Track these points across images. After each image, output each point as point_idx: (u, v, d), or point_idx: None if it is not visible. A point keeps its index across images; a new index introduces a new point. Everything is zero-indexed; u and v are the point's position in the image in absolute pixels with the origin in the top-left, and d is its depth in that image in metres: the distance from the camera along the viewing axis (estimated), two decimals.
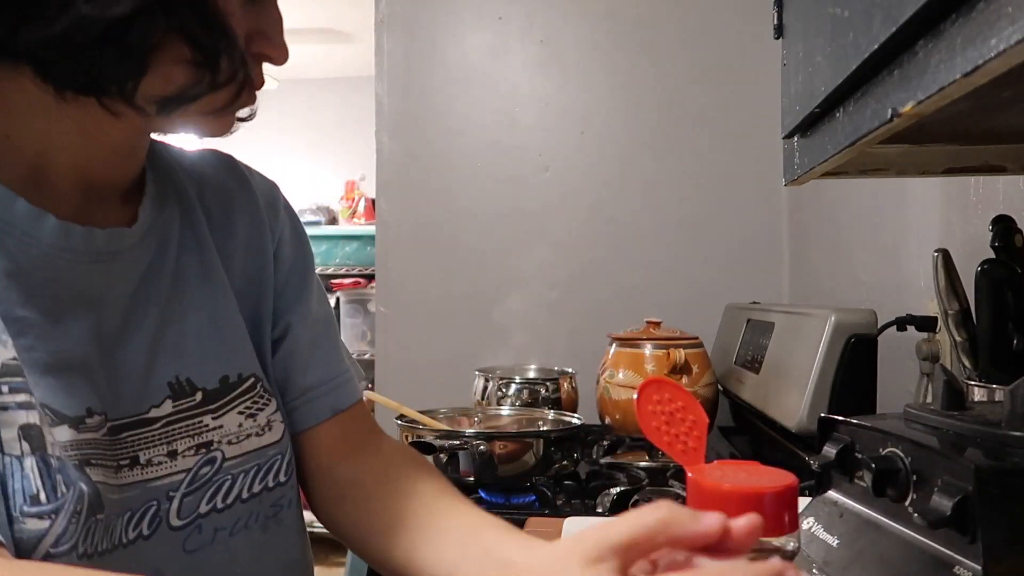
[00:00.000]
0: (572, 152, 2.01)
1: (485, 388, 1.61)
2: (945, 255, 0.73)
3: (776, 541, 0.46)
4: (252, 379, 0.68)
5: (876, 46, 0.40)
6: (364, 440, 0.77)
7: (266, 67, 0.64)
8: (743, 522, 0.40)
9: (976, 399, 0.69)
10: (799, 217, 1.87)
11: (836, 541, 0.68)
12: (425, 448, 1.20)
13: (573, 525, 0.94)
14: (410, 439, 1.23)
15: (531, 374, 1.70)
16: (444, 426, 1.32)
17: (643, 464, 1.24)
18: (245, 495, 0.65)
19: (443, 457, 1.18)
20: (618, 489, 1.17)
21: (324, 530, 0.75)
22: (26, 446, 0.51)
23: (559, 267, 2.00)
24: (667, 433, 0.69)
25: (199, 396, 0.64)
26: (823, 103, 0.52)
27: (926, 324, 1.03)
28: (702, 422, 0.69)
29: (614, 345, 1.52)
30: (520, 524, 0.97)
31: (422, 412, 1.34)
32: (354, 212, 4.08)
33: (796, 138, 0.64)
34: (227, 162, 0.77)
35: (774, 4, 0.67)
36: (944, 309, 0.73)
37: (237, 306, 0.69)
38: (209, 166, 0.75)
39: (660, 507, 0.40)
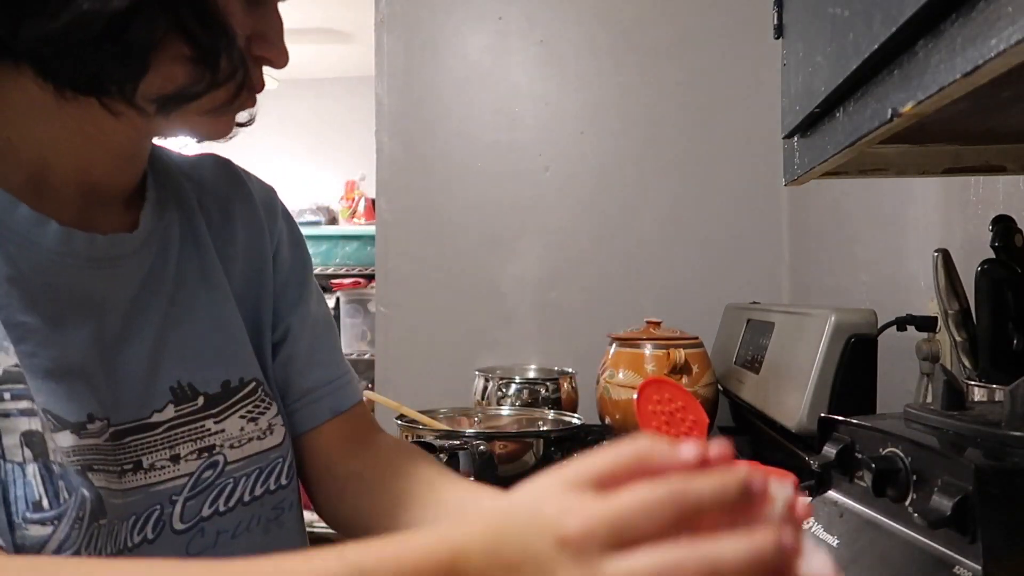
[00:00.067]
0: (572, 152, 2.01)
1: (485, 388, 1.61)
2: (945, 255, 0.73)
3: None
4: (253, 383, 0.68)
5: (876, 46, 0.40)
6: (364, 439, 0.77)
7: (266, 67, 0.64)
8: (717, 448, 0.39)
9: (976, 399, 0.69)
10: (799, 217, 1.87)
11: (836, 541, 0.68)
12: (425, 448, 1.20)
13: None
14: (410, 439, 1.23)
15: (531, 374, 1.70)
16: (444, 426, 1.32)
17: None
18: (247, 498, 0.65)
19: (443, 457, 1.18)
20: None
21: (324, 530, 0.76)
22: (28, 453, 0.51)
23: (559, 267, 2.00)
24: (667, 433, 0.69)
25: (201, 400, 0.64)
26: (823, 103, 0.52)
27: (926, 324, 1.03)
28: (702, 422, 0.69)
29: (614, 345, 1.52)
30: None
31: (422, 412, 1.34)
32: (354, 212, 4.08)
33: (796, 138, 0.64)
34: (225, 166, 0.77)
35: (774, 4, 0.67)
36: (944, 309, 0.73)
37: (238, 310, 0.70)
38: (208, 170, 0.75)
39: (638, 440, 0.39)
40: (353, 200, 4.10)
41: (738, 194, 1.95)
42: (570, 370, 1.69)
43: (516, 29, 2.03)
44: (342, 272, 3.81)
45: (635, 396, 0.74)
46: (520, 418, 1.43)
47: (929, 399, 0.98)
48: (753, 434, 1.50)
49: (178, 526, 0.61)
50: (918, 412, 0.68)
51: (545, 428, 1.35)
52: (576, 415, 1.38)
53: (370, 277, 3.67)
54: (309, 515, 0.76)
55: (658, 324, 1.52)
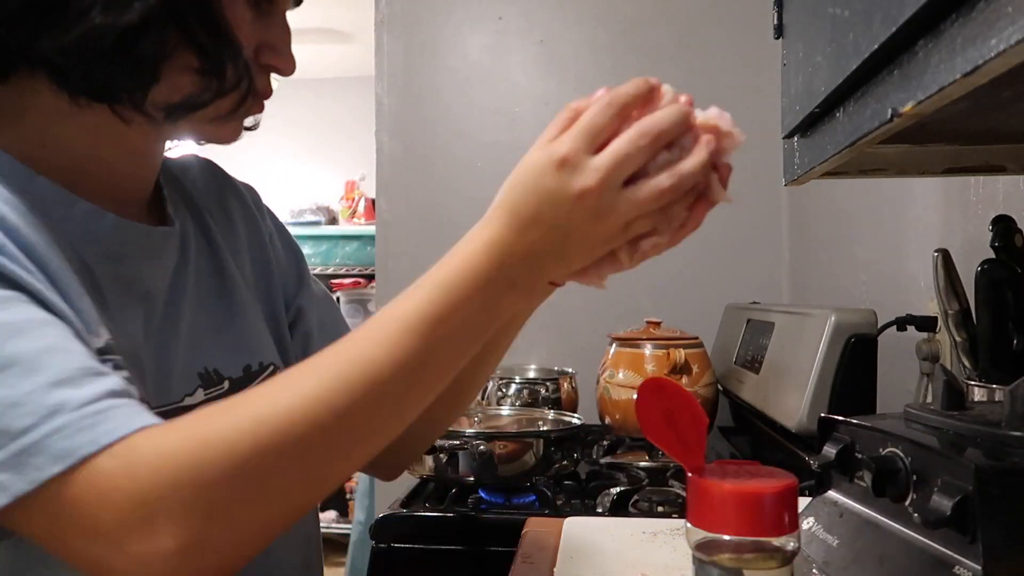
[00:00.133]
0: None
1: (485, 388, 1.61)
2: (945, 255, 0.73)
3: (776, 541, 0.46)
4: (272, 368, 0.72)
5: (876, 46, 0.40)
6: None
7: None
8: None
9: (976, 399, 0.69)
10: (799, 217, 1.87)
11: (836, 541, 0.68)
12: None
13: (573, 525, 0.94)
14: None
15: (531, 374, 1.70)
16: None
17: (643, 464, 1.24)
18: None
19: (443, 457, 1.18)
20: (618, 489, 1.17)
21: (327, 529, 0.77)
22: None
23: None
24: (667, 433, 0.69)
25: (226, 385, 0.67)
26: (823, 103, 0.52)
27: (926, 324, 1.03)
28: (702, 422, 0.69)
29: (614, 345, 1.52)
30: (520, 524, 0.97)
31: None
32: (354, 212, 4.07)
33: (796, 138, 0.64)
34: (211, 167, 0.80)
35: (774, 4, 0.67)
36: (944, 309, 0.73)
37: (252, 299, 0.74)
38: (196, 171, 0.78)
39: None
40: (353, 200, 4.10)
41: (738, 194, 1.94)
42: (570, 370, 1.69)
43: (516, 29, 2.03)
44: (342, 272, 3.81)
45: (635, 396, 0.74)
46: (520, 418, 1.43)
47: (929, 399, 0.98)
48: (753, 434, 1.50)
49: None
50: (918, 412, 0.68)
51: (545, 428, 1.35)
52: (576, 415, 1.38)
53: (370, 277, 3.66)
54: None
55: (658, 324, 1.52)
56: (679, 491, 1.15)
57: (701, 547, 0.47)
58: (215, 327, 0.69)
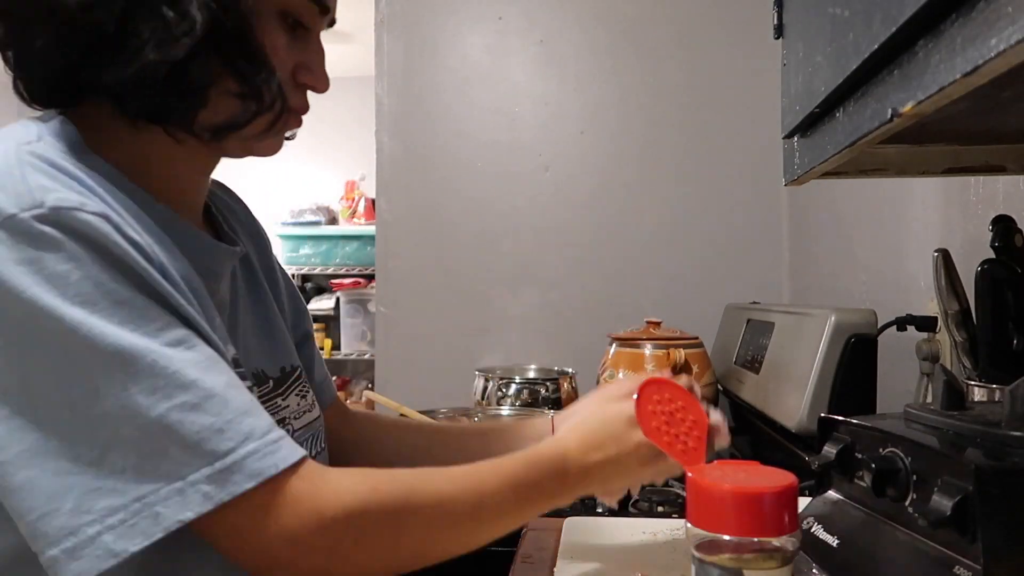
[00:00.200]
0: (572, 152, 2.01)
1: (485, 388, 1.61)
2: (945, 255, 0.73)
3: (776, 541, 0.46)
4: (299, 369, 0.84)
5: (876, 46, 0.40)
6: (346, 415, 0.98)
7: None
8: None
9: (976, 399, 0.69)
10: (799, 217, 1.87)
11: (836, 541, 0.68)
12: None
13: (573, 525, 0.94)
14: None
15: (531, 374, 1.70)
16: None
17: None
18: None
19: None
20: None
21: None
22: None
23: (559, 267, 2.00)
24: (667, 433, 0.69)
25: (271, 383, 0.78)
26: (823, 103, 0.52)
27: (926, 324, 1.03)
28: (702, 422, 0.69)
29: (614, 345, 1.52)
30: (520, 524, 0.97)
31: (422, 412, 1.34)
32: (354, 212, 4.07)
33: (796, 138, 0.64)
34: (220, 184, 0.86)
35: (774, 4, 0.67)
36: (944, 309, 0.73)
37: (276, 310, 0.84)
38: (225, 193, 0.87)
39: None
40: (353, 200, 4.10)
41: (738, 194, 1.95)
42: (570, 370, 1.69)
43: (516, 29, 2.03)
44: (342, 272, 3.81)
45: (635, 396, 0.74)
46: (520, 418, 1.42)
47: (929, 399, 0.98)
48: (753, 434, 1.50)
49: None
50: (918, 412, 0.68)
51: None
52: None
53: (370, 277, 3.66)
54: None
55: (658, 324, 1.52)
56: (679, 491, 1.15)
57: (701, 547, 0.47)
58: (258, 333, 0.79)
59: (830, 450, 0.71)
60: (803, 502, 0.71)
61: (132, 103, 0.62)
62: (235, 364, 0.65)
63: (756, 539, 0.46)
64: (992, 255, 0.70)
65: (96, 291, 0.54)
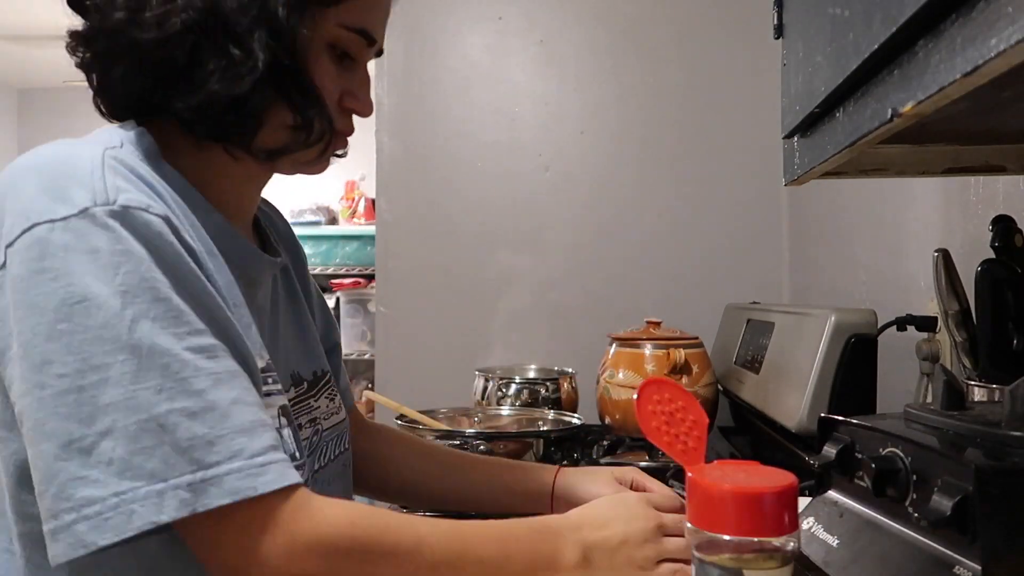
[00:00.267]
0: (572, 152, 2.01)
1: (485, 388, 1.61)
2: (945, 255, 0.73)
3: (776, 541, 0.46)
4: (328, 374, 0.89)
5: (876, 46, 0.40)
6: (363, 425, 1.03)
7: None
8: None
9: (976, 399, 0.69)
10: (799, 217, 1.87)
11: (836, 541, 0.68)
12: None
13: None
14: None
15: (531, 374, 1.70)
16: (444, 426, 1.32)
17: (643, 464, 1.24)
18: (333, 456, 0.85)
19: None
20: None
21: None
22: (283, 420, 0.69)
23: (559, 267, 2.00)
24: (667, 433, 0.69)
25: (305, 385, 0.83)
26: (823, 103, 0.52)
27: (926, 324, 1.03)
28: (702, 422, 0.69)
29: (614, 345, 1.52)
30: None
31: (422, 412, 1.34)
32: (354, 212, 4.07)
33: (796, 138, 0.64)
34: (263, 198, 0.90)
35: (774, 4, 0.67)
36: (944, 309, 0.73)
37: (311, 318, 0.89)
38: (272, 209, 0.92)
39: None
40: (353, 200, 4.10)
41: (738, 194, 1.95)
42: (570, 370, 1.69)
43: (516, 29, 2.03)
44: (342, 272, 3.81)
45: (635, 396, 0.74)
46: (520, 418, 1.43)
47: (929, 399, 0.98)
48: (753, 434, 1.49)
49: (304, 476, 0.78)
50: (918, 412, 0.68)
51: (545, 428, 1.35)
52: (576, 415, 1.38)
53: (370, 277, 3.66)
54: None
55: (658, 324, 1.52)
56: (679, 491, 1.15)
57: (701, 547, 0.47)
58: (295, 338, 0.84)
59: (830, 450, 0.71)
60: (803, 502, 0.71)
61: (196, 125, 0.68)
62: (266, 370, 0.68)
63: (756, 539, 0.46)
64: (992, 255, 0.70)
65: (140, 285, 0.58)
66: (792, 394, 1.12)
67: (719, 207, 1.96)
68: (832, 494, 0.72)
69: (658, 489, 0.88)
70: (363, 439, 0.98)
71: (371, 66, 0.79)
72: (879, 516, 0.65)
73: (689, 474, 0.49)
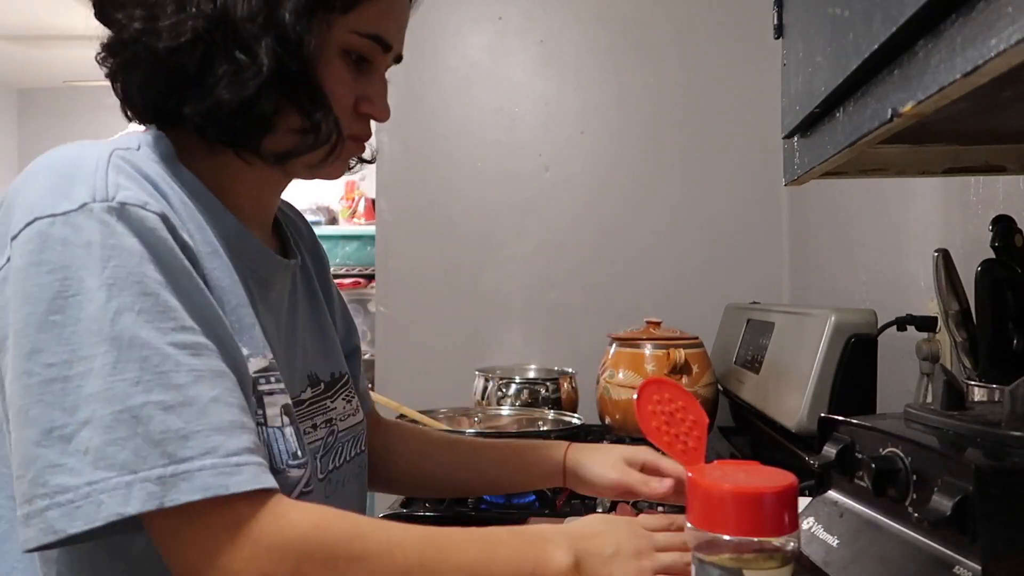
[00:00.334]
0: (572, 152, 2.01)
1: (485, 388, 1.61)
2: (945, 255, 0.73)
3: (776, 541, 0.46)
4: (346, 375, 0.90)
5: (876, 46, 0.40)
6: (378, 422, 1.04)
7: None
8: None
9: (976, 399, 0.69)
10: (799, 217, 1.87)
11: (836, 541, 0.68)
12: None
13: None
14: None
15: (531, 374, 1.70)
16: (444, 426, 1.32)
17: None
18: (349, 457, 0.86)
19: None
20: None
21: None
22: (286, 419, 0.70)
23: (559, 267, 2.00)
24: (667, 433, 0.69)
25: (322, 386, 0.84)
26: (823, 103, 0.52)
27: (926, 324, 1.03)
28: (702, 422, 0.69)
29: (614, 345, 1.52)
30: (520, 524, 0.97)
31: (422, 412, 1.34)
32: (354, 212, 4.07)
33: (796, 138, 0.64)
34: (287, 203, 0.92)
35: (774, 4, 0.67)
36: (944, 309, 0.73)
37: (330, 321, 0.91)
38: (295, 213, 0.95)
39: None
40: (353, 200, 4.09)
41: (738, 194, 1.95)
42: (570, 370, 1.69)
43: (516, 29, 2.03)
44: (342, 272, 3.80)
45: (635, 396, 0.74)
46: (520, 418, 1.43)
47: (929, 399, 0.98)
48: (753, 434, 1.50)
49: (319, 476, 0.79)
50: (918, 412, 0.68)
51: (545, 428, 1.35)
52: (576, 415, 1.38)
53: (370, 277, 3.66)
54: None
55: (658, 324, 1.52)
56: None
57: (701, 547, 0.47)
58: (313, 339, 0.86)
59: (830, 450, 0.71)
60: (803, 502, 0.71)
61: (207, 130, 0.70)
62: (269, 370, 0.69)
63: (756, 539, 0.46)
64: (992, 255, 0.70)
65: (127, 279, 0.59)
66: (792, 394, 1.12)
67: (719, 207, 1.96)
68: (832, 494, 0.72)
69: (671, 469, 0.89)
70: (380, 435, 1.00)
71: None
72: (879, 516, 0.65)
73: (689, 474, 0.49)
